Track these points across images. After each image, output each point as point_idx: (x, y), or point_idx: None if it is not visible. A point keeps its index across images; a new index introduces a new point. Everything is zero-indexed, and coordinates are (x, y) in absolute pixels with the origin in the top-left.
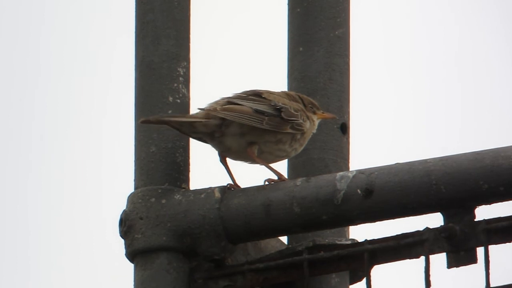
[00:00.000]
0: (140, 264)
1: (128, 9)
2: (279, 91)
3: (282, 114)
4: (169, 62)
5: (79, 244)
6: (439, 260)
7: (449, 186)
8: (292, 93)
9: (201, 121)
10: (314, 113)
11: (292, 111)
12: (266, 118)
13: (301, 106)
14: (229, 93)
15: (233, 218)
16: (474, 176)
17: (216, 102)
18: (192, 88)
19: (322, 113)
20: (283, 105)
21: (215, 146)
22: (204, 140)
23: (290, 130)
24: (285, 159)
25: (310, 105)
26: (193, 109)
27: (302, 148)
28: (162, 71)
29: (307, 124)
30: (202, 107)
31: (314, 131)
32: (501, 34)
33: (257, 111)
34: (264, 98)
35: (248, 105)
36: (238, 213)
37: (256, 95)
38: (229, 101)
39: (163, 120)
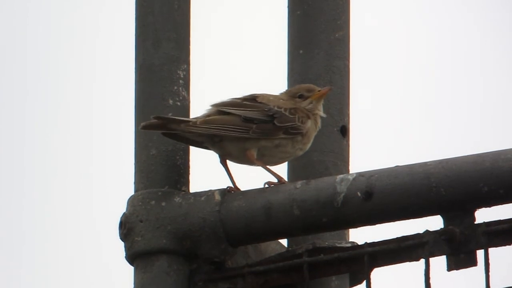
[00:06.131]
0: (140, 266)
1: (128, 12)
2: (281, 92)
3: (275, 120)
4: (169, 65)
5: (79, 246)
6: (439, 262)
7: (449, 188)
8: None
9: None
10: (308, 98)
11: (288, 114)
12: (254, 126)
13: (299, 103)
14: (226, 97)
15: (233, 220)
16: (474, 179)
17: (208, 110)
18: (192, 90)
19: (319, 91)
20: (278, 110)
21: (216, 150)
22: (205, 146)
23: (283, 136)
24: (292, 158)
25: (300, 95)
26: (193, 112)
27: (308, 146)
28: (162, 74)
29: (308, 124)
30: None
31: (323, 115)
32: (501, 36)
33: (245, 119)
34: (259, 103)
35: (238, 113)
36: (238, 215)
37: (252, 100)
38: (217, 110)
39: (167, 118)
